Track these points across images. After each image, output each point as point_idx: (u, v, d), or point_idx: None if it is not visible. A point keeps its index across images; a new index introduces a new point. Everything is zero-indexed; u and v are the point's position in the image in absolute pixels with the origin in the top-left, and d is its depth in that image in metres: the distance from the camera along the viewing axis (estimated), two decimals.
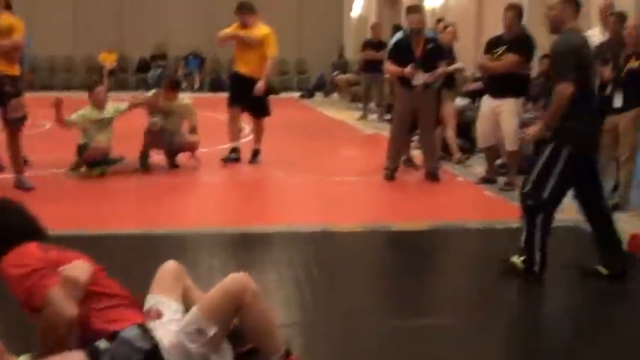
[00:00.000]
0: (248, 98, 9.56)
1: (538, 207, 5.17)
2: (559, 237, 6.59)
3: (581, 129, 5.12)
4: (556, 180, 5.10)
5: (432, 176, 8.72)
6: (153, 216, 7.00)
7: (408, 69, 8.52)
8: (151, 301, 3.45)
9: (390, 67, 8.99)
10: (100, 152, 8.53)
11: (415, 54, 8.61)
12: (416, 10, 9.16)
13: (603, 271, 5.30)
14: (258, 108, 9.78)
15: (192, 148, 9.28)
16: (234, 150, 9.86)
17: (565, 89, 4.98)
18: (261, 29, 9.72)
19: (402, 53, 8.72)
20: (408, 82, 8.65)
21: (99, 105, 8.82)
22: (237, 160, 9.80)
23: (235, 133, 9.93)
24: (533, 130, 5.45)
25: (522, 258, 5.25)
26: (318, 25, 23.30)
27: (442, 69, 8.80)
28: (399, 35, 9.84)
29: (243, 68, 9.70)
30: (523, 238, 5.26)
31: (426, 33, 8.96)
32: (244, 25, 9.65)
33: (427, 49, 8.66)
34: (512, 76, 8.16)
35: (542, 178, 5.11)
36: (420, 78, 8.57)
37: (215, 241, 6.13)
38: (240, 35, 9.62)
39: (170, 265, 3.65)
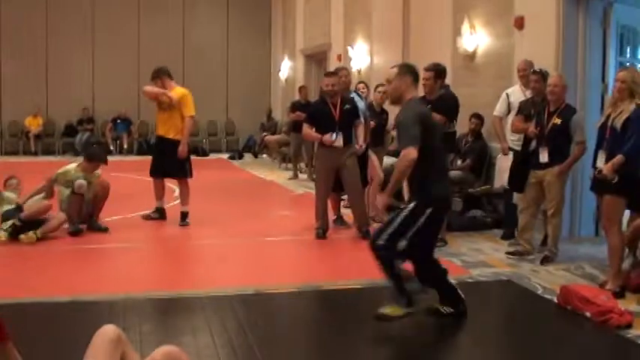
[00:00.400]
0: (169, 160, 9.60)
1: (392, 256, 5.40)
2: (494, 290, 6.69)
3: (441, 191, 5.53)
4: (413, 234, 5.36)
5: (366, 234, 8.75)
6: (80, 282, 6.82)
7: (327, 137, 8.67)
8: None
9: (307, 132, 9.07)
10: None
11: (333, 116, 8.77)
12: (330, 73, 9.35)
13: (447, 309, 5.64)
14: (179, 170, 9.75)
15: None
16: (157, 210, 9.91)
17: (409, 154, 5.25)
18: (177, 91, 9.85)
19: (319, 116, 8.87)
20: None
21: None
22: (157, 218, 9.87)
23: (159, 193, 9.95)
24: (381, 200, 5.72)
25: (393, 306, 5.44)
26: (246, 86, 23.44)
27: (360, 127, 9.03)
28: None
29: (162, 130, 9.77)
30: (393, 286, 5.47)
31: (345, 94, 9.18)
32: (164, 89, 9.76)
33: (344, 110, 8.80)
34: None
35: (399, 232, 5.37)
36: (340, 140, 8.69)
37: (145, 306, 6.00)
38: (167, 94, 9.70)
39: (108, 330, 3.34)
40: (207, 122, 23.29)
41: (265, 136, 20.22)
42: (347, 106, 8.87)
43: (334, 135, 8.68)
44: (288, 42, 22.27)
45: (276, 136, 19.22)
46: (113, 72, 21.92)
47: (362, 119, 9.16)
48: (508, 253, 7.83)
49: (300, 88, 16.80)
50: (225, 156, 21.57)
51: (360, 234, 8.82)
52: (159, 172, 9.86)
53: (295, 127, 15.27)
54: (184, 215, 9.77)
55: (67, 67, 21.93)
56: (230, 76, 23.60)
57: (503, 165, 8.84)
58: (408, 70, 5.65)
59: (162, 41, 22.55)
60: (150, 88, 9.93)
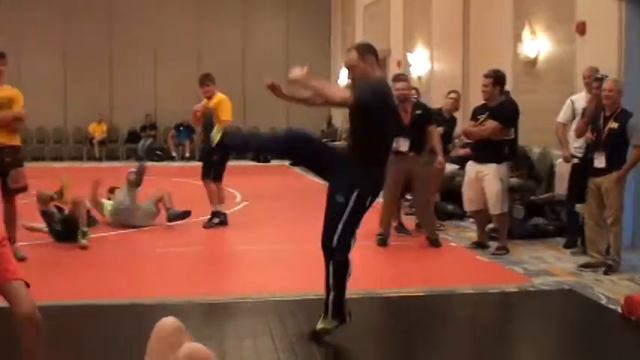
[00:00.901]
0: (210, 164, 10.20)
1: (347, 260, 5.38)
2: (556, 300, 6.63)
3: (379, 177, 5.34)
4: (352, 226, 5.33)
5: (434, 242, 8.74)
6: (140, 285, 6.94)
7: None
8: None
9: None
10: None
11: (404, 121, 8.71)
12: (400, 78, 9.16)
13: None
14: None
15: None
16: (216, 214, 10.17)
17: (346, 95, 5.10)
18: (217, 97, 10.32)
19: None
20: (396, 148, 8.74)
21: None
22: (220, 224, 10.11)
23: (214, 198, 10.21)
24: None
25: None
26: None
27: (435, 132, 8.95)
28: None
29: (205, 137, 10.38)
30: (332, 298, 5.27)
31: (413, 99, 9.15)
32: (209, 97, 10.30)
33: (415, 115, 8.78)
34: (494, 141, 8.25)
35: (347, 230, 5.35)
36: (406, 145, 8.67)
37: (206, 310, 6.09)
38: (198, 108, 10.39)
39: (166, 322, 3.26)
40: (268, 128, 23.47)
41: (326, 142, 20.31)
42: (418, 112, 8.85)
43: (400, 141, 8.62)
44: (347, 48, 22.30)
45: (336, 143, 19.27)
46: (175, 79, 22.24)
47: (435, 126, 9.11)
48: (581, 266, 7.62)
49: None
50: (287, 162, 21.66)
51: (429, 243, 8.80)
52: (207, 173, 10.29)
53: None
54: (214, 215, 10.15)
55: (131, 75, 22.34)
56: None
57: (565, 173, 8.75)
58: (368, 49, 5.28)
59: (222, 49, 22.83)
60: (196, 109, 10.50)
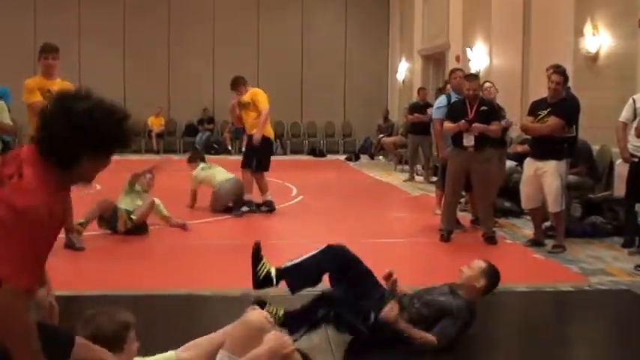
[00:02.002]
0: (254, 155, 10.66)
1: None
2: (612, 300, 6.54)
3: None
4: None
5: (490, 240, 8.67)
6: (196, 277, 7.01)
7: (463, 122, 8.60)
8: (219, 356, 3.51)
9: (446, 125, 9.03)
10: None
11: (468, 116, 8.71)
12: (474, 77, 9.38)
13: None
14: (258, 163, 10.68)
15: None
16: (265, 203, 10.71)
17: None
18: (250, 92, 10.86)
19: (457, 114, 8.80)
20: (460, 143, 8.72)
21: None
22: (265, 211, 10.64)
23: (249, 187, 10.69)
24: None
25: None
26: (363, 88, 23.54)
27: (495, 125, 8.83)
28: (443, 99, 9.98)
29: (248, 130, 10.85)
30: None
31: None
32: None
33: (480, 111, 8.74)
34: (555, 138, 8.16)
35: None
36: (472, 139, 8.63)
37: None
38: (233, 103, 11.03)
39: (251, 315, 3.71)
40: (324, 123, 23.55)
41: (382, 137, 20.27)
42: (483, 108, 8.82)
43: (467, 125, 8.63)
44: (405, 43, 22.25)
45: (392, 138, 19.23)
46: (233, 73, 22.37)
47: (502, 122, 9.08)
48: (638, 266, 7.46)
49: (419, 90, 16.78)
50: (342, 157, 21.72)
51: (485, 239, 8.73)
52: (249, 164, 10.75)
53: (413, 128, 15.27)
54: (258, 205, 10.63)
55: (189, 69, 22.57)
56: (348, 77, 23.76)
57: (623, 172, 8.60)
58: None
59: (280, 43, 22.94)
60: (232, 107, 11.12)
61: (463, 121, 8.64)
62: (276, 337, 3.51)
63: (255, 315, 3.70)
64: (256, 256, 5.26)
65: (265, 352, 3.44)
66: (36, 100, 7.47)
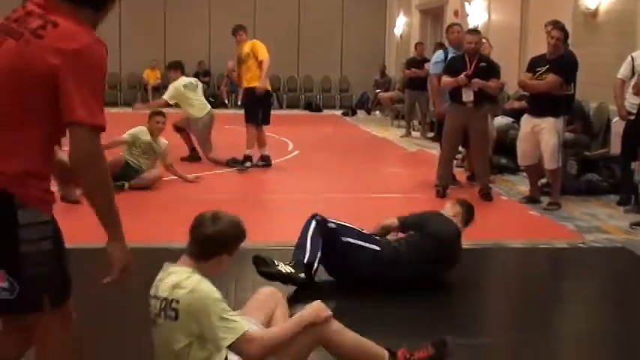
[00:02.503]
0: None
1: None
2: (607, 258, 6.58)
3: None
4: None
5: (485, 196, 8.68)
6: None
7: (462, 76, 8.57)
8: None
9: (444, 80, 8.99)
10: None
11: (468, 71, 8.68)
12: (475, 31, 9.38)
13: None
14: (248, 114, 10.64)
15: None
16: (261, 158, 10.71)
17: None
18: (249, 42, 10.84)
19: (456, 69, 8.77)
20: (458, 98, 8.69)
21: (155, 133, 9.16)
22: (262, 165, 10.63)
23: (251, 141, 10.61)
24: None
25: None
26: (360, 43, 23.37)
27: (494, 82, 8.80)
28: (440, 54, 9.92)
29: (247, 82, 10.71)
30: None
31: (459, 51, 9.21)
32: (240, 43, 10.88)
33: (479, 67, 8.70)
34: (553, 95, 8.13)
35: None
36: (471, 94, 8.61)
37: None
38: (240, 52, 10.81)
39: (266, 290, 3.84)
40: (321, 78, 23.42)
41: (379, 92, 20.19)
42: (482, 64, 8.77)
43: (466, 79, 8.60)
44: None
45: (389, 93, 19.16)
46: (230, 27, 22.23)
47: (499, 79, 9.03)
48: (634, 224, 7.48)
49: (417, 45, 16.67)
50: (339, 112, 21.66)
51: (480, 195, 8.73)
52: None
53: (410, 83, 15.21)
54: (246, 158, 10.44)
55: (185, 22, 22.35)
56: (345, 32, 23.57)
57: (620, 130, 8.59)
58: None
59: None
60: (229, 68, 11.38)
61: (462, 75, 8.60)
62: (312, 307, 3.40)
63: (267, 290, 3.86)
64: (264, 262, 5.05)
65: (297, 318, 3.35)
66: None
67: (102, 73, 2.62)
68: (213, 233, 3.21)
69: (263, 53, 10.47)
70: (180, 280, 3.13)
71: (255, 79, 10.44)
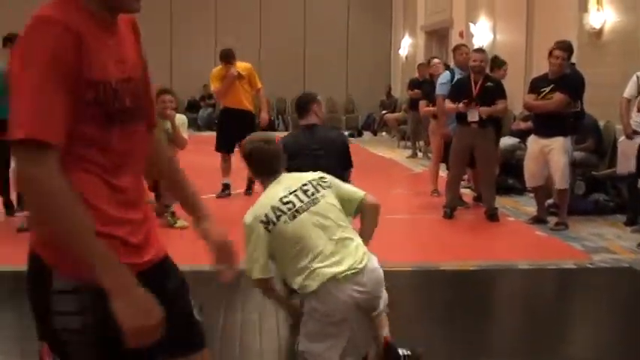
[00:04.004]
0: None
1: None
2: (614, 278, 6.53)
3: None
4: None
5: (492, 217, 8.65)
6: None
7: (461, 105, 8.57)
8: None
9: (448, 105, 9.00)
10: None
11: (472, 91, 8.67)
12: (480, 50, 9.40)
13: None
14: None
15: None
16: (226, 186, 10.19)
17: None
18: (242, 65, 10.42)
19: (461, 91, 8.77)
20: (464, 119, 8.68)
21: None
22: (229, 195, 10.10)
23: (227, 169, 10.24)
24: None
25: None
26: (366, 64, 23.42)
27: (502, 105, 8.79)
28: (446, 75, 9.91)
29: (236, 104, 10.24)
30: None
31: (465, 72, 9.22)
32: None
33: (486, 87, 8.69)
34: (560, 115, 8.11)
35: None
36: (476, 114, 8.59)
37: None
38: (233, 72, 10.24)
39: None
40: (327, 99, 23.42)
41: (385, 113, 20.20)
42: (489, 84, 8.77)
43: (468, 106, 8.60)
44: (408, 18, 22.12)
45: (395, 114, 19.17)
46: (235, 49, 22.33)
47: (505, 101, 8.91)
48: None
49: (419, 66, 16.68)
50: (345, 133, 21.63)
51: (487, 216, 8.70)
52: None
53: (414, 104, 15.21)
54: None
55: (190, 45, 22.44)
56: (350, 53, 23.64)
57: (626, 149, 8.54)
58: None
59: (283, 19, 22.79)
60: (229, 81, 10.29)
61: (461, 103, 8.61)
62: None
63: None
64: None
65: None
66: None
67: (48, 59, 1.88)
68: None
69: (258, 81, 10.39)
70: (307, 174, 3.92)
71: (247, 101, 10.22)
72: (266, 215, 3.64)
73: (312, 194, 3.72)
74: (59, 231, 1.92)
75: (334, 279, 3.47)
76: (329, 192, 3.78)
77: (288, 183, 3.78)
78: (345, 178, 4.98)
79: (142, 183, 2.23)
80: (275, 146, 3.95)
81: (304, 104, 5.50)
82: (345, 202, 3.85)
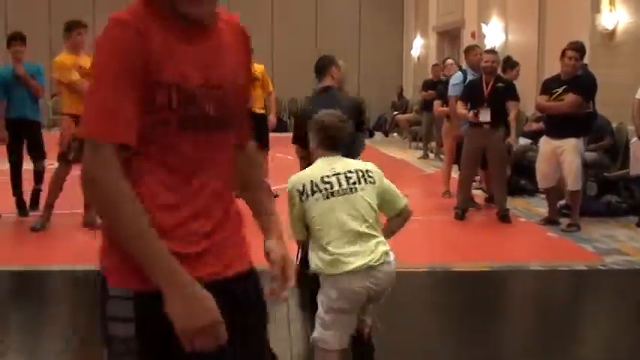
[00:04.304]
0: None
1: None
2: (626, 280, 6.52)
3: None
4: None
5: (504, 218, 8.64)
6: None
7: (471, 114, 8.59)
8: None
9: (459, 110, 9.00)
10: None
11: (483, 92, 8.67)
12: (492, 51, 9.41)
13: None
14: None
15: None
16: None
17: None
18: (258, 67, 10.01)
19: (473, 93, 8.78)
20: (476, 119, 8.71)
21: None
22: None
23: None
24: None
25: None
26: (378, 64, 23.42)
27: (513, 110, 8.80)
28: (459, 75, 9.90)
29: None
30: None
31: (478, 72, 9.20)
32: None
33: (497, 88, 8.69)
34: (573, 116, 8.09)
35: None
36: (487, 115, 8.59)
37: None
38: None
39: None
40: None
41: (396, 114, 20.19)
42: (500, 85, 8.77)
43: (478, 111, 8.61)
44: (420, 19, 22.11)
45: (407, 115, 19.16)
46: None
47: (516, 102, 8.96)
48: None
49: (434, 67, 16.67)
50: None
51: (499, 217, 8.69)
52: None
53: (426, 105, 15.20)
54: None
55: None
56: (362, 54, 23.63)
57: (638, 151, 8.52)
58: None
59: (294, 19, 22.84)
60: None
61: (471, 113, 8.65)
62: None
63: None
64: None
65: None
66: (76, 79, 7.51)
67: (118, 61, 1.91)
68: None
69: (270, 84, 10.22)
70: (357, 162, 4.07)
71: (258, 104, 9.89)
72: (303, 186, 3.75)
73: (353, 183, 3.78)
74: (119, 233, 1.91)
75: (352, 272, 3.57)
76: (370, 188, 3.83)
77: (336, 165, 3.85)
78: (359, 139, 5.60)
79: (218, 194, 2.10)
80: (347, 128, 4.04)
81: (322, 67, 5.75)
82: (386, 203, 3.95)
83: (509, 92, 8.81)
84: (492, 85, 8.70)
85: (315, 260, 3.67)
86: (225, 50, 2.14)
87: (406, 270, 6.30)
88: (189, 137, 2.00)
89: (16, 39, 8.36)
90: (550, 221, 8.50)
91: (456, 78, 10.01)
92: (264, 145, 9.92)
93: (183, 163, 2.01)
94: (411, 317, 5.30)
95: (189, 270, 1.91)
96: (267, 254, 2.23)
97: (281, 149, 11.04)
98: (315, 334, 3.71)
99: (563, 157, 8.17)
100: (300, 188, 3.76)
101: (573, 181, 8.16)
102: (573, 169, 8.11)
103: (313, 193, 3.75)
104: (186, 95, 1.97)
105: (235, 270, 2.10)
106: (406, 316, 5.28)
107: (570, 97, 8.05)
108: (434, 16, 20.51)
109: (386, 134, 21.34)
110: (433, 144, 15.74)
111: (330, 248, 3.61)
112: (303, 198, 3.75)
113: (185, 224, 2.00)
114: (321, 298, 3.69)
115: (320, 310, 3.70)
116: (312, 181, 3.77)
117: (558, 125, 8.23)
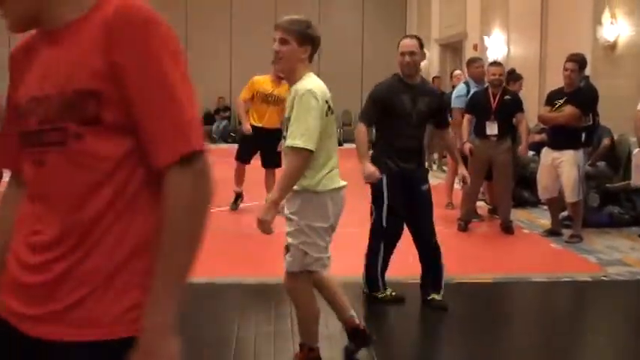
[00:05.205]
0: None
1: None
2: (629, 291, 6.53)
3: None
4: None
5: (507, 229, 8.68)
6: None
7: (467, 146, 8.72)
8: None
9: (464, 131, 9.01)
10: None
11: (490, 105, 8.71)
12: (498, 63, 9.44)
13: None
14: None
15: None
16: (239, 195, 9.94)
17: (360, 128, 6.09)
18: (286, 87, 9.93)
19: (479, 106, 8.80)
20: (483, 133, 8.71)
21: None
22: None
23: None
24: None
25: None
26: (381, 76, 23.27)
27: (523, 124, 8.86)
28: (462, 87, 9.93)
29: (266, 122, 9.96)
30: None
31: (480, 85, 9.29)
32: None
33: (504, 101, 8.72)
34: (571, 128, 8.12)
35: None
36: (495, 128, 8.63)
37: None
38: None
39: None
40: (341, 112, 23.50)
41: None
42: (507, 97, 8.80)
43: (490, 124, 8.67)
44: (423, 31, 22.12)
45: None
46: (250, 62, 22.32)
47: (523, 114, 9.00)
48: None
49: (434, 79, 16.71)
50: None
51: (502, 229, 8.74)
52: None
53: None
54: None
55: (206, 57, 22.55)
56: (364, 65, 23.71)
57: None
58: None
59: None
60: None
61: (467, 145, 8.79)
62: None
63: None
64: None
65: None
66: None
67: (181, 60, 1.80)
68: None
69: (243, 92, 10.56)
70: None
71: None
72: (327, 101, 3.84)
73: (332, 113, 4.03)
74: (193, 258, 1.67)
75: (343, 188, 4.05)
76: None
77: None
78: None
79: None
80: None
81: None
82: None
83: (516, 105, 8.86)
84: (499, 98, 8.73)
85: (318, 176, 3.89)
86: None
87: (407, 282, 6.34)
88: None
89: None
90: (553, 232, 8.52)
91: (460, 90, 10.05)
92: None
93: None
94: (414, 328, 5.32)
95: None
96: None
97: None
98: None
99: (561, 169, 8.21)
100: (328, 102, 3.87)
101: (571, 192, 8.19)
102: (571, 180, 8.14)
103: (332, 112, 3.91)
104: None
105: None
106: (409, 327, 5.30)
107: (568, 110, 8.10)
108: (436, 29, 20.58)
109: None
110: (435, 155, 15.77)
111: (329, 164, 3.94)
112: (329, 114, 3.84)
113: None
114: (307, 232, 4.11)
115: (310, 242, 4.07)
116: (328, 97, 3.89)
117: (557, 137, 8.29)
